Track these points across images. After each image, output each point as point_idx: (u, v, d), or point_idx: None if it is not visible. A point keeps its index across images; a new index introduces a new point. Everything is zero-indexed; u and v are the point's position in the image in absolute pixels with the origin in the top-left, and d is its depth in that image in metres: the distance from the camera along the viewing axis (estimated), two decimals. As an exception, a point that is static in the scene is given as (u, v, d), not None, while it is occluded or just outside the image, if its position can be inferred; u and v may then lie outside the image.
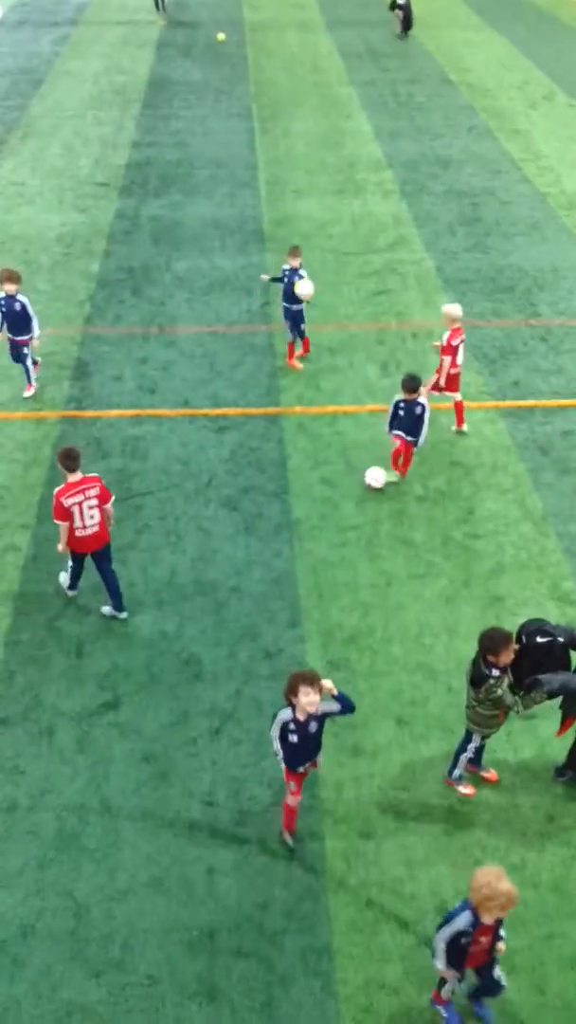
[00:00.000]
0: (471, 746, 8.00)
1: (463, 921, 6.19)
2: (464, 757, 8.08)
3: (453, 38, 30.76)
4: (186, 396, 13.30)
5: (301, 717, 7.24)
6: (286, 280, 13.32)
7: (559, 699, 7.95)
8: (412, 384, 11.07)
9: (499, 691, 7.44)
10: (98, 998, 6.83)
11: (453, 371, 12.20)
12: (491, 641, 7.42)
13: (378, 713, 8.85)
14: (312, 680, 7.13)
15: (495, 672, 7.45)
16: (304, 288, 13.13)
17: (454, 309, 12.27)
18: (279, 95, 25.23)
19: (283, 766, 7.57)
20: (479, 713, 7.73)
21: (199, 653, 9.44)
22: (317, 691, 7.10)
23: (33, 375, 13.22)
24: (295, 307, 13.40)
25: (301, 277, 13.23)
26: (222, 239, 17.67)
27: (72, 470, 9.26)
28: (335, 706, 7.26)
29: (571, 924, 7.36)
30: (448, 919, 6.30)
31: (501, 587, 10.24)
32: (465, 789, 8.22)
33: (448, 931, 6.25)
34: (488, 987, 6.69)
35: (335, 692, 7.21)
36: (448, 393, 12.37)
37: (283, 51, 29.07)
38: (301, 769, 7.56)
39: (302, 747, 7.40)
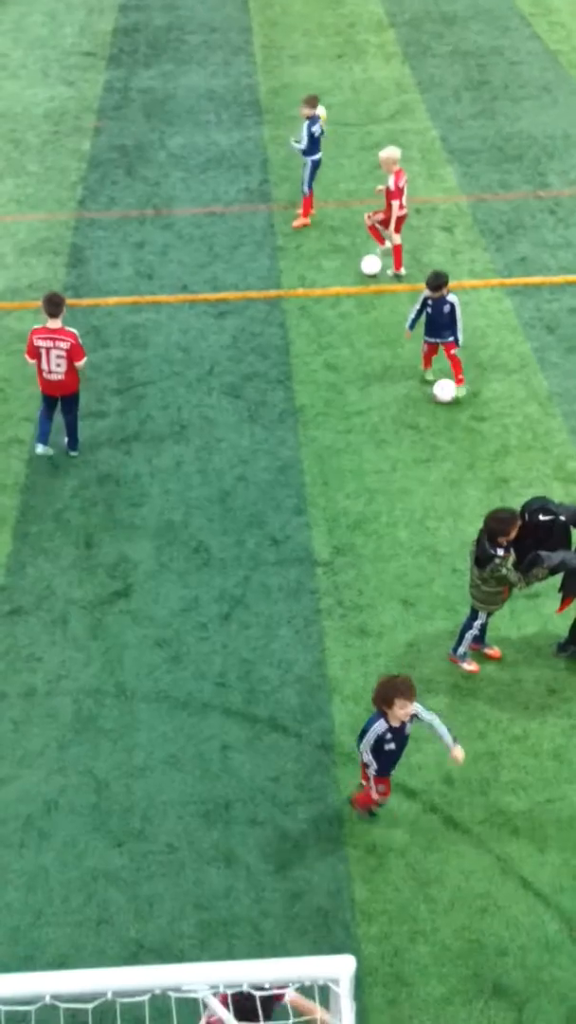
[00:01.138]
0: (477, 623, 8.20)
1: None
2: (469, 635, 8.29)
3: None
4: (185, 281, 13.03)
5: (396, 724, 6.84)
6: (306, 129, 13.36)
7: (559, 577, 8.09)
8: (437, 281, 10.58)
9: (504, 570, 7.57)
10: (121, 864, 7.24)
11: (401, 213, 12.48)
12: (499, 523, 7.51)
13: (384, 595, 9.03)
14: (409, 692, 6.71)
15: (499, 552, 7.57)
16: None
17: (394, 152, 12.58)
18: (273, -51, 23.69)
19: (372, 775, 7.04)
20: (484, 591, 7.88)
21: (207, 541, 9.57)
22: (413, 699, 6.70)
23: None
24: (315, 157, 13.52)
25: (317, 123, 13.45)
26: (217, 112, 16.94)
27: (52, 316, 9.90)
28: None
29: (570, 788, 7.69)
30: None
31: (506, 469, 10.27)
32: (469, 666, 8.46)
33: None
34: None
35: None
36: (395, 235, 12.62)
37: None
38: (394, 771, 7.16)
39: (399, 751, 7.02)
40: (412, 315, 10.92)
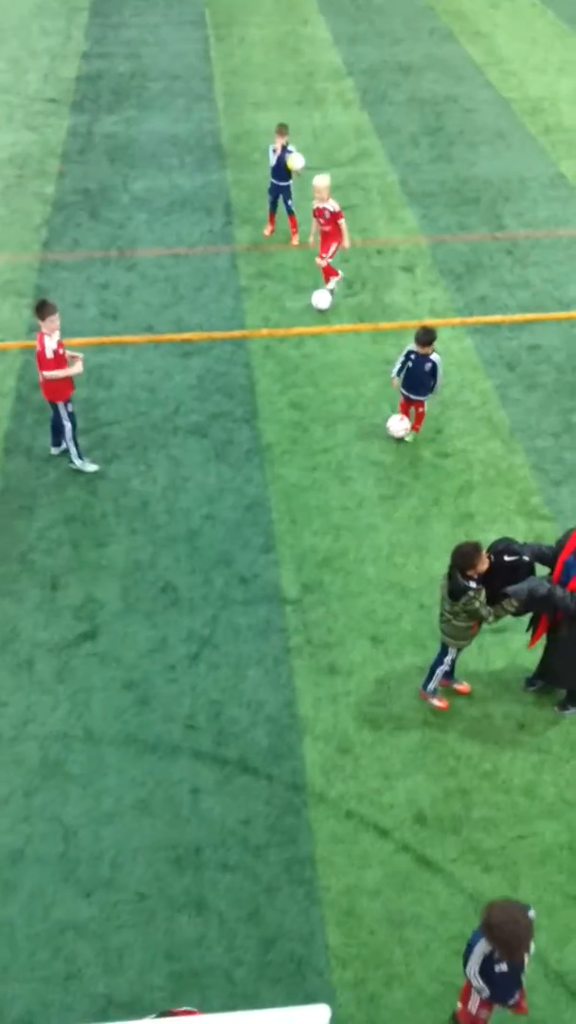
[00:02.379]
0: (447, 659, 8.20)
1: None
2: (440, 671, 8.29)
3: None
4: (150, 321, 13.09)
5: None
6: (277, 158, 14.02)
7: (528, 616, 8.14)
8: (427, 337, 10.44)
9: (476, 603, 7.60)
10: (90, 915, 7.07)
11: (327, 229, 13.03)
12: (464, 557, 7.56)
13: (353, 633, 9.02)
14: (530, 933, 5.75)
15: (473, 584, 7.61)
16: (297, 162, 13.88)
17: (327, 178, 13.03)
18: (233, 1, 24.20)
19: (483, 999, 6.07)
20: (455, 626, 7.91)
21: (174, 581, 9.51)
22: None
23: None
24: (283, 183, 14.26)
25: (291, 152, 13.95)
26: (180, 156, 17.16)
27: (42, 318, 10.05)
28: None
29: (541, 824, 7.68)
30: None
31: (471, 504, 10.35)
32: (439, 702, 8.45)
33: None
34: None
35: None
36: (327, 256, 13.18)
37: (235, -49, 27.76)
38: (512, 1001, 6.09)
39: (515, 971, 5.91)
40: (397, 364, 10.81)
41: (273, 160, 14.16)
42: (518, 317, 13.23)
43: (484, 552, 7.66)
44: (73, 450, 10.56)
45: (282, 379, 12.11)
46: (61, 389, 10.28)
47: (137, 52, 21.34)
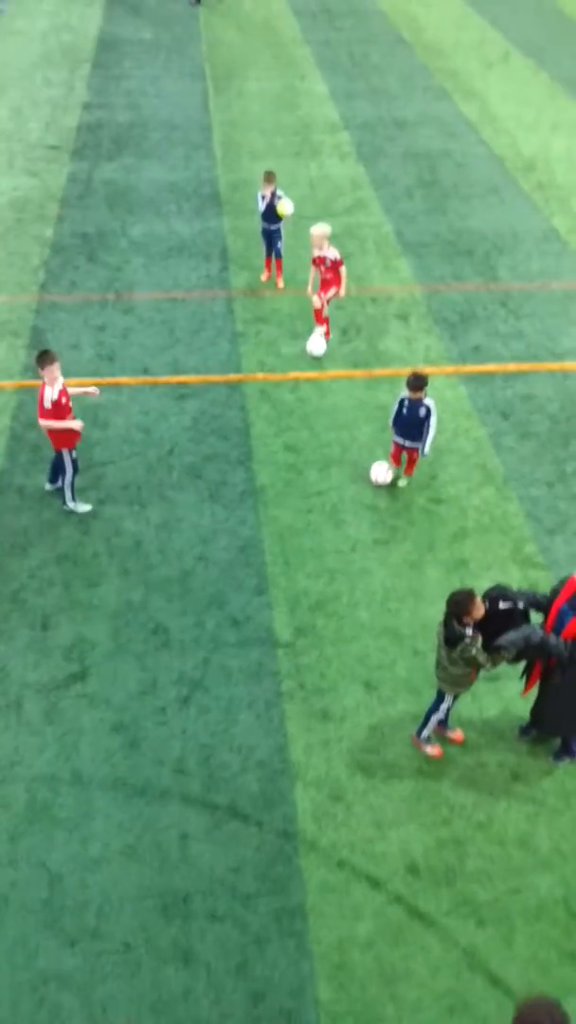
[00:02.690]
0: (443, 706, 8.12)
1: None
2: (435, 718, 8.20)
3: (407, -3, 30.40)
4: (146, 363, 13.15)
5: None
6: (266, 204, 14.38)
7: (522, 663, 8.09)
8: (417, 382, 10.38)
9: (473, 650, 7.54)
10: (74, 966, 6.87)
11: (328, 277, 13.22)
12: (458, 605, 7.51)
13: (346, 678, 8.93)
14: None
15: (469, 631, 7.56)
16: (287, 207, 14.23)
17: (327, 227, 13.18)
18: (232, 55, 24.79)
19: None
20: (452, 673, 7.83)
21: (166, 622, 9.43)
22: None
23: None
24: (274, 227, 14.60)
25: (280, 198, 14.31)
26: (178, 203, 17.41)
27: (42, 367, 9.94)
28: None
29: (536, 877, 7.55)
30: None
31: (465, 551, 10.34)
32: (432, 750, 8.34)
33: None
34: None
35: None
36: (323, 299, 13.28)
37: (235, 10, 28.52)
38: None
39: None
40: (392, 413, 10.82)
41: (262, 206, 14.48)
42: (512, 367, 13.36)
43: (477, 598, 7.63)
44: (68, 494, 10.51)
45: (277, 422, 12.15)
46: (67, 437, 10.24)
47: (138, 103, 21.76)
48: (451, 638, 7.64)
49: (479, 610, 7.58)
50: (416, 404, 10.56)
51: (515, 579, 10.00)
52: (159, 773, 8.10)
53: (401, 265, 15.67)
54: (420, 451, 10.85)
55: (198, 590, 9.77)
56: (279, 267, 14.95)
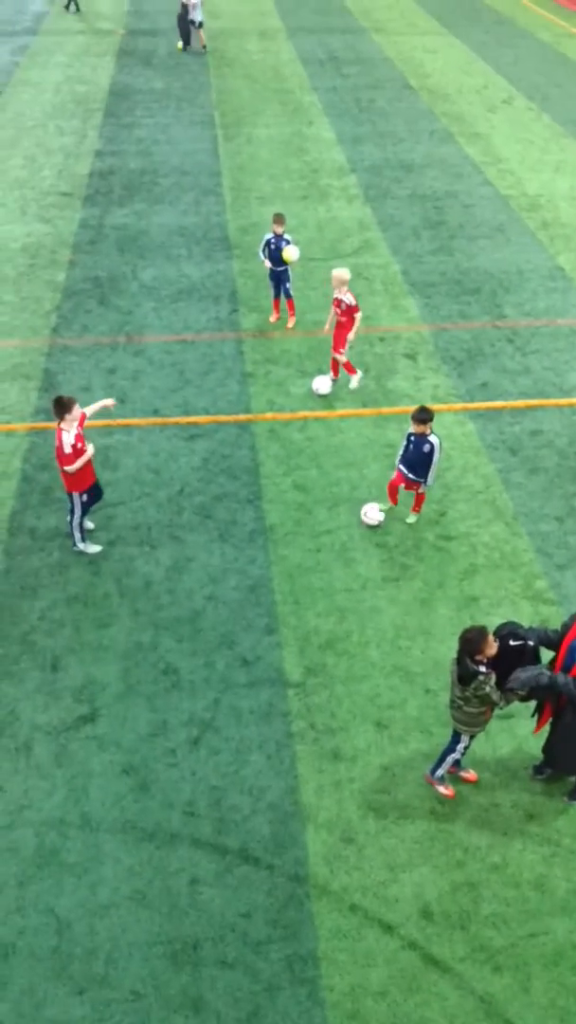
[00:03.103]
0: (460, 747, 8.01)
1: None
2: (451, 758, 8.09)
3: (412, 44, 30.99)
4: (156, 405, 13.26)
5: None
6: (273, 246, 14.46)
7: (534, 702, 8.00)
8: (422, 416, 10.38)
9: (487, 688, 7.45)
10: (82, 1015, 6.77)
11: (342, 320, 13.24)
12: (470, 643, 7.45)
13: (356, 718, 8.85)
14: None
15: (483, 669, 7.49)
16: (292, 253, 14.27)
17: (346, 272, 13.12)
18: (241, 102, 25.28)
19: None
20: (467, 712, 7.75)
21: (176, 663, 9.40)
22: None
23: None
24: (280, 268, 14.66)
25: (288, 243, 14.33)
26: (188, 247, 17.65)
27: (58, 416, 9.99)
28: None
29: (553, 921, 7.40)
30: None
31: (475, 588, 10.29)
32: (445, 790, 8.24)
33: None
34: None
35: None
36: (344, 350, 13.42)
37: (244, 59, 29.13)
38: None
39: None
40: (400, 450, 10.85)
41: (270, 248, 14.60)
42: (520, 403, 13.39)
43: (490, 635, 7.58)
44: (77, 535, 10.54)
45: (286, 461, 12.20)
46: (80, 480, 10.25)
47: (148, 150, 22.18)
48: (464, 676, 7.58)
49: (492, 648, 7.52)
50: (421, 439, 10.55)
51: (526, 615, 9.93)
52: (169, 816, 8.02)
53: (409, 304, 15.80)
54: (422, 485, 10.84)
55: (208, 630, 9.75)
56: (291, 306, 15.08)
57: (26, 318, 15.29)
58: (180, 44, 29.99)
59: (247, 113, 24.51)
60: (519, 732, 8.76)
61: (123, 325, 15.15)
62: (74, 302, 15.77)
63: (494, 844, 7.90)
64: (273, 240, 14.48)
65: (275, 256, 14.55)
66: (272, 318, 15.18)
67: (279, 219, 14.50)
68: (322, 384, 13.39)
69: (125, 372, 13.98)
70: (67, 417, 9.91)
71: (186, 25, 29.62)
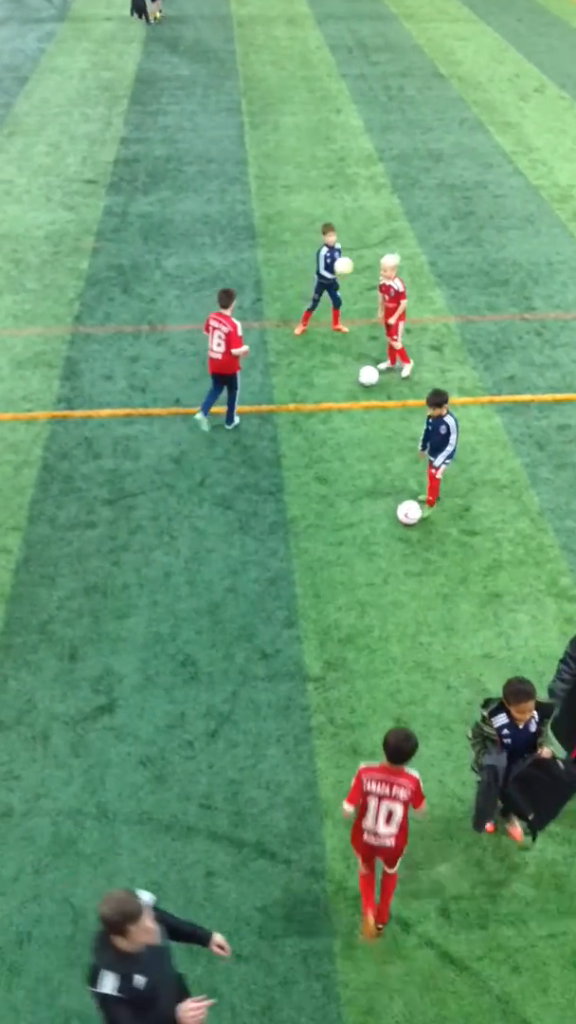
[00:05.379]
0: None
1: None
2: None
3: (443, 31, 30.64)
4: (178, 394, 13.20)
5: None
6: (329, 259, 13.82)
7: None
8: (436, 399, 10.49)
9: (474, 729, 7.33)
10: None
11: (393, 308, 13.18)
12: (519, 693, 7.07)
13: (376, 713, 8.78)
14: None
15: (498, 718, 7.17)
16: (344, 266, 13.78)
17: (396, 257, 13.28)
18: (268, 90, 25.10)
19: None
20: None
21: (194, 655, 9.35)
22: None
23: None
24: (330, 277, 14.05)
25: (340, 252, 13.95)
26: (212, 235, 17.56)
27: (224, 305, 11.86)
28: None
29: (573, 922, 7.31)
30: None
31: (499, 584, 10.17)
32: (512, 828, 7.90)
33: None
34: None
35: None
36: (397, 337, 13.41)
37: (272, 45, 28.92)
38: None
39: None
40: (422, 434, 10.91)
41: (325, 260, 13.76)
42: (547, 397, 13.21)
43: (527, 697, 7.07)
44: (233, 411, 12.37)
45: (308, 453, 12.10)
46: (237, 362, 12.07)
47: (174, 137, 22.08)
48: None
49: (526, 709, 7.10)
50: (438, 421, 10.63)
51: (551, 613, 9.81)
52: (185, 808, 7.99)
53: (436, 296, 15.63)
54: (433, 465, 10.83)
55: (227, 622, 9.69)
56: (336, 316, 14.41)
57: (49, 306, 15.27)
58: (138, 17, 31.02)
59: (274, 100, 24.34)
60: (541, 730, 8.64)
61: (146, 314, 15.09)
62: (97, 290, 15.73)
63: (513, 844, 7.80)
64: (328, 252, 13.77)
65: (328, 266, 13.83)
66: (299, 329, 14.45)
67: (330, 229, 13.89)
68: (368, 375, 13.25)
69: (147, 361, 13.93)
70: (231, 306, 11.77)
71: None
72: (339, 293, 14.31)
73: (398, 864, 7.07)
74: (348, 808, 6.83)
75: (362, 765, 6.85)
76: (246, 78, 26.05)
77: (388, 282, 13.07)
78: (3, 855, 7.65)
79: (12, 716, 8.75)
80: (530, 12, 33.71)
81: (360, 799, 6.76)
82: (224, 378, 12.15)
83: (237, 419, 12.45)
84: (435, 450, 10.81)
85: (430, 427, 10.74)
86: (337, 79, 25.92)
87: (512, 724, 7.14)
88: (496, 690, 8.96)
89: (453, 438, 10.66)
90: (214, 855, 7.66)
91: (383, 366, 13.56)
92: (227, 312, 11.83)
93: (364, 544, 10.66)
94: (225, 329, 11.74)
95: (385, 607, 9.87)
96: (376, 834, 6.82)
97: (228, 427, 12.45)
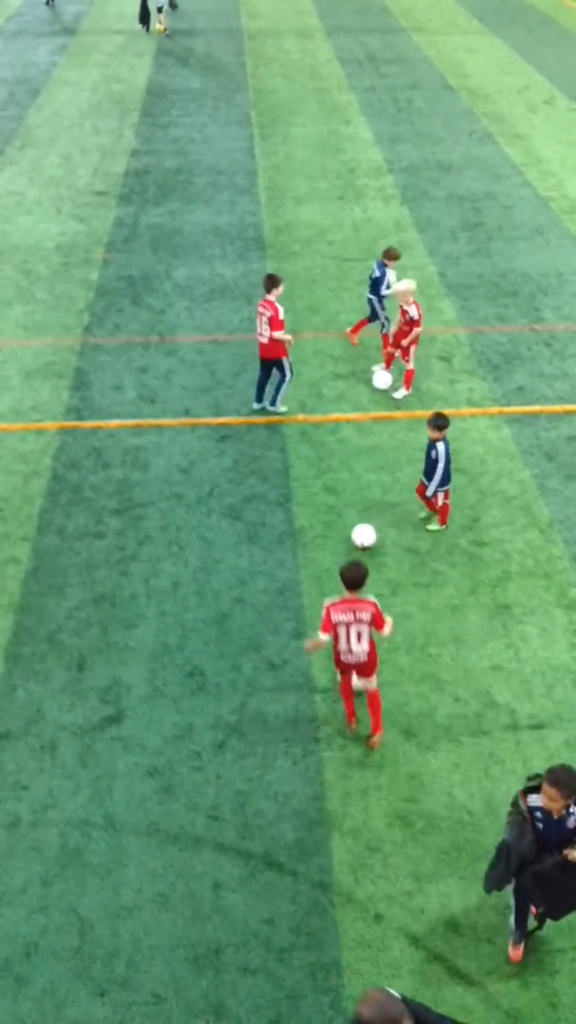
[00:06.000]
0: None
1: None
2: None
3: (453, 44, 30.77)
4: (187, 405, 13.23)
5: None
6: (384, 278, 13.72)
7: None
8: (435, 422, 10.44)
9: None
10: (103, 1016, 6.73)
11: (414, 338, 13.17)
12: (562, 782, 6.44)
13: (385, 725, 8.74)
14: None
15: (532, 799, 6.66)
16: (402, 285, 13.45)
17: (412, 283, 13.25)
18: (278, 102, 25.24)
19: None
20: None
21: (202, 665, 9.35)
22: None
23: None
24: (382, 295, 14.04)
25: (391, 274, 13.89)
26: (222, 246, 17.63)
27: (267, 289, 12.28)
28: None
29: (583, 938, 7.25)
30: None
31: (508, 595, 10.14)
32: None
33: None
34: None
35: None
36: (411, 360, 13.36)
37: (282, 58, 29.09)
38: None
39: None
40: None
41: (387, 280, 13.77)
42: (557, 408, 13.20)
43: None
44: (279, 396, 12.76)
45: (317, 464, 12.11)
46: (284, 346, 12.41)
47: (184, 149, 22.20)
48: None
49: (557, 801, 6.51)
50: (430, 445, 10.61)
51: (560, 624, 9.77)
52: (193, 820, 7.97)
53: (445, 306, 15.65)
54: (426, 490, 10.79)
55: (235, 633, 9.69)
56: (385, 342, 14.02)
57: (59, 316, 15.34)
58: (143, 27, 31.51)
59: (284, 112, 24.46)
60: (550, 744, 8.61)
61: (155, 324, 15.14)
62: (107, 301, 15.80)
63: (523, 857, 7.74)
64: (381, 272, 13.75)
65: (379, 283, 13.80)
66: (353, 339, 14.50)
67: (393, 254, 13.83)
68: (382, 379, 13.41)
69: (157, 371, 13.97)
70: (275, 291, 12.16)
71: (146, 5, 31.13)
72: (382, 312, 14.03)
73: (375, 676, 8.38)
74: (323, 637, 8.09)
75: (326, 601, 8.13)
76: (256, 90, 26.20)
77: (404, 306, 12.94)
78: (11, 865, 7.64)
79: (20, 726, 8.75)
80: (539, 24, 33.84)
81: (331, 630, 8.05)
82: (271, 362, 12.55)
83: (283, 407, 12.84)
84: (426, 475, 10.74)
85: (425, 449, 10.70)
86: (347, 91, 26.04)
87: (546, 810, 6.55)
88: (504, 702, 8.95)
89: (441, 466, 10.49)
90: (221, 866, 7.64)
91: (400, 396, 13.38)
92: (271, 297, 12.21)
93: (373, 555, 10.65)
94: (268, 313, 12.18)
95: (393, 618, 9.81)
96: (351, 652, 8.18)
97: (270, 408, 12.87)
